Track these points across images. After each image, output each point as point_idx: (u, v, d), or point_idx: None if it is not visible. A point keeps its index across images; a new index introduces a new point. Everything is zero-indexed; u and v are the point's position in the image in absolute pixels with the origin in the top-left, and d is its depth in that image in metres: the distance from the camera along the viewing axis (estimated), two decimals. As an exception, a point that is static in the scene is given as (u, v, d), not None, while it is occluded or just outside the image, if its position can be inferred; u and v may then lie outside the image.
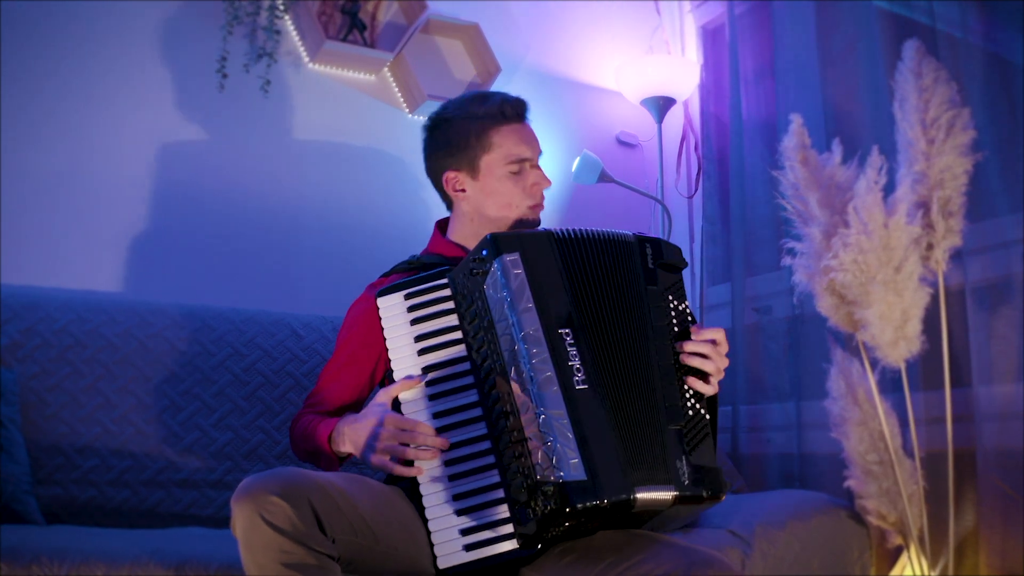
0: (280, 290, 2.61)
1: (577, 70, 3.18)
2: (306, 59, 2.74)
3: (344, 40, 2.71)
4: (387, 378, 1.74)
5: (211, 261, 2.55)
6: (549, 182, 1.78)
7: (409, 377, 1.52)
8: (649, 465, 1.42)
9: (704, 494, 1.44)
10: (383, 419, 1.50)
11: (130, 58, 2.53)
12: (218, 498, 2.10)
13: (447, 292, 1.56)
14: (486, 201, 1.75)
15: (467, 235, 1.78)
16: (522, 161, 1.74)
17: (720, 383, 1.55)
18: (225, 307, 2.32)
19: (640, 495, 1.39)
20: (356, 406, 1.76)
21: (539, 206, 1.77)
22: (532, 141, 1.78)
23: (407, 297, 1.57)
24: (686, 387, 1.50)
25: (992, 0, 2.30)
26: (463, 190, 1.77)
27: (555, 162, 3.04)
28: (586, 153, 2.90)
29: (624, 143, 3.23)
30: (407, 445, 1.47)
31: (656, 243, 1.59)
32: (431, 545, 1.43)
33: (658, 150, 3.07)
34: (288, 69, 2.71)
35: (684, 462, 1.43)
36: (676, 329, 1.54)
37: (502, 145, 1.74)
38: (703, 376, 1.51)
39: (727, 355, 1.55)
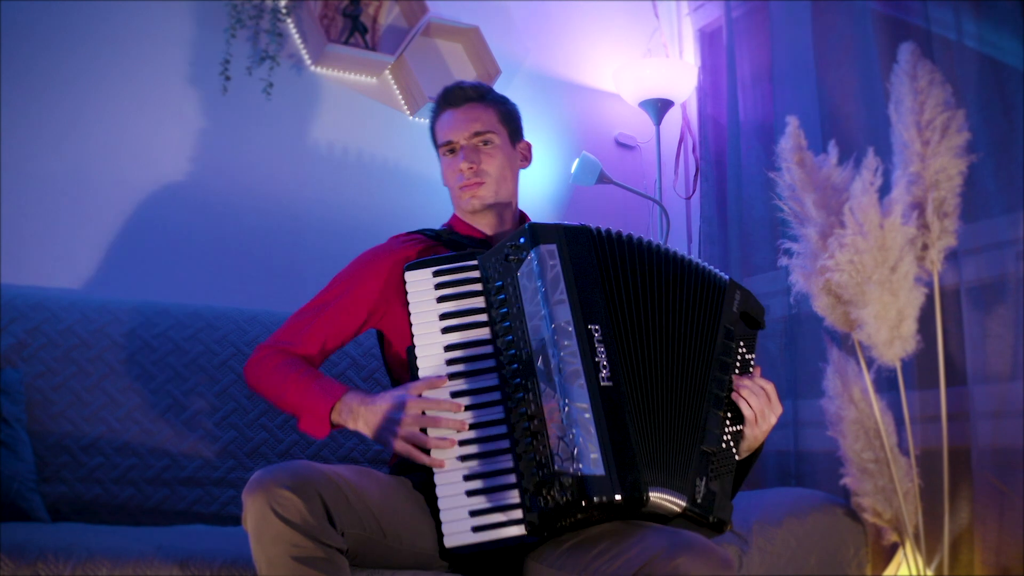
0: (282, 290, 2.63)
1: (576, 72, 3.21)
2: (308, 62, 2.76)
3: (346, 43, 2.73)
4: (389, 348, 1.76)
5: (214, 262, 2.57)
6: (471, 164, 1.78)
7: (439, 376, 1.51)
8: (667, 469, 1.45)
9: (710, 518, 1.48)
10: (405, 402, 1.50)
11: (133, 60, 2.54)
12: (221, 495, 2.12)
13: (476, 274, 1.57)
14: (444, 181, 1.86)
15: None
16: (447, 145, 1.81)
17: None
18: (228, 307, 2.34)
19: (653, 495, 1.41)
20: (326, 355, 1.76)
21: (470, 186, 1.79)
22: (461, 124, 1.79)
23: (436, 274, 1.57)
24: (728, 421, 1.56)
25: (987, 1, 2.32)
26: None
27: (554, 163, 3.07)
28: (585, 154, 2.92)
29: (623, 145, 3.25)
30: (425, 431, 1.48)
31: (746, 293, 1.66)
32: (438, 529, 1.43)
33: (656, 152, 3.09)
34: (290, 72, 2.73)
35: (703, 483, 1.47)
36: (737, 370, 1.60)
37: (437, 133, 1.84)
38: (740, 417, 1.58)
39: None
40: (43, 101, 2.43)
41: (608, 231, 1.58)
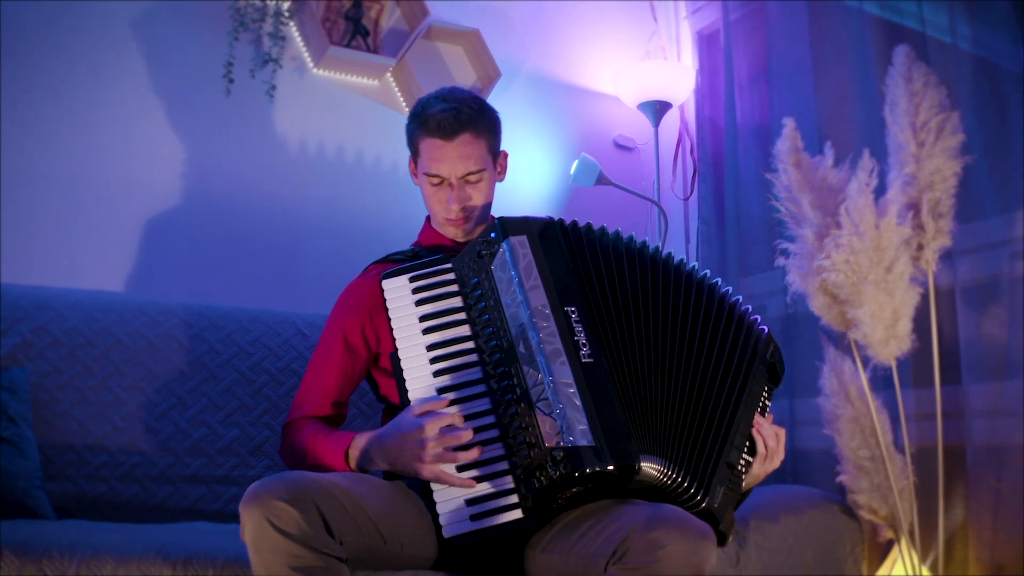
0: (285, 290, 2.65)
1: (575, 75, 3.23)
2: (311, 65, 2.78)
3: (348, 46, 2.75)
4: (380, 360, 1.77)
5: (218, 262, 2.59)
6: (462, 204, 1.73)
7: (436, 399, 1.50)
8: (654, 440, 1.47)
9: (721, 524, 1.50)
10: (423, 426, 1.47)
11: (136, 61, 2.56)
12: (225, 493, 2.14)
13: (451, 276, 1.61)
14: (424, 197, 1.80)
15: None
16: (434, 177, 1.73)
17: None
18: (232, 307, 2.35)
19: (644, 464, 1.43)
20: (345, 400, 1.78)
21: (458, 221, 1.75)
22: (453, 162, 1.71)
23: (412, 280, 1.61)
24: (746, 449, 1.59)
25: (981, 2, 2.34)
26: (415, 177, 1.81)
27: (554, 165, 3.09)
28: (584, 156, 2.94)
29: (621, 146, 3.27)
30: (451, 448, 1.47)
31: (777, 347, 1.70)
32: (436, 526, 1.44)
33: (655, 153, 3.11)
34: (293, 74, 2.75)
35: (721, 490, 1.51)
36: (758, 409, 1.63)
37: (422, 156, 1.75)
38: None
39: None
40: (45, 101, 2.44)
41: (575, 223, 1.62)
